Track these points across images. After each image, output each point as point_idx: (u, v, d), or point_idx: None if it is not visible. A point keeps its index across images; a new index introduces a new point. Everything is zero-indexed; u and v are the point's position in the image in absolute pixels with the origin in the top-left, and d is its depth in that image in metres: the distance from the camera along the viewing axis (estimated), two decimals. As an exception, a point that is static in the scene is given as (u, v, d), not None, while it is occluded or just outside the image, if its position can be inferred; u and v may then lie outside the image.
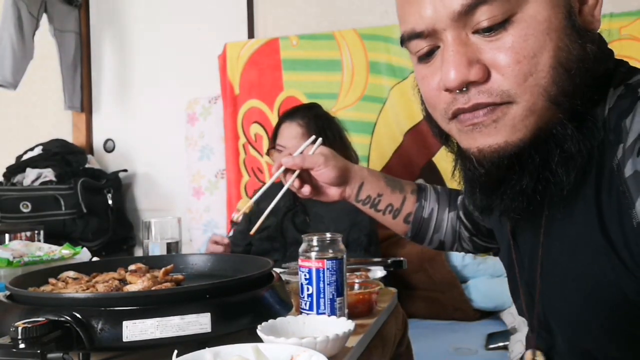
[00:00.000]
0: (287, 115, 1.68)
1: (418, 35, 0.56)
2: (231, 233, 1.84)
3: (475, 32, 0.53)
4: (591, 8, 0.56)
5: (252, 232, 0.91)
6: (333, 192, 0.91)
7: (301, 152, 0.91)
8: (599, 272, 0.54)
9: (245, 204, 1.58)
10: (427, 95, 0.59)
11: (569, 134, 0.53)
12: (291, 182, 0.89)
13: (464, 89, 0.54)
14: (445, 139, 0.63)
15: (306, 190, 0.90)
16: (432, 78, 0.57)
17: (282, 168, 0.89)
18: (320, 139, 0.93)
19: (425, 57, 0.58)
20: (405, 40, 0.58)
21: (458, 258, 1.82)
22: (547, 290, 0.63)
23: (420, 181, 1.88)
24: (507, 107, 0.53)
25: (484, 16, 0.52)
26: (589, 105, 0.54)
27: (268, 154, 1.71)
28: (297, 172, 0.89)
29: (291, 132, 1.62)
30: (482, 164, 0.55)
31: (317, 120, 1.64)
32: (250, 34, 2.42)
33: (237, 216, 1.02)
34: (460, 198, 0.91)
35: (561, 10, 0.52)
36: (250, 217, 1.67)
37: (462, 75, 0.53)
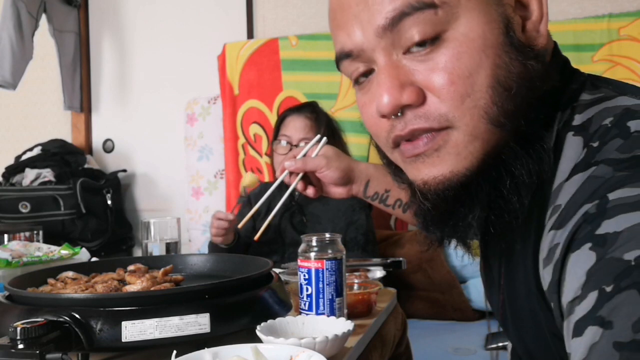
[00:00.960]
0: (293, 109, 1.69)
1: (347, 55, 0.53)
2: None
3: (407, 52, 0.50)
4: (535, 23, 0.52)
5: (256, 237, 0.92)
6: (340, 191, 0.92)
7: (304, 154, 0.91)
8: (538, 315, 0.51)
9: (248, 180, 1.56)
10: (368, 124, 0.56)
11: (518, 157, 0.49)
12: (295, 184, 0.90)
13: (399, 113, 0.50)
14: (394, 169, 0.60)
15: (310, 191, 0.91)
16: (370, 105, 0.54)
17: (286, 172, 0.91)
18: (325, 139, 0.93)
19: (360, 82, 0.55)
20: (338, 62, 0.55)
21: (457, 258, 1.82)
22: (507, 320, 0.60)
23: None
24: (448, 134, 0.49)
25: (412, 31, 0.48)
26: (535, 126, 0.50)
27: (271, 146, 1.71)
28: (300, 175, 0.90)
29: (299, 123, 1.62)
30: (427, 197, 0.52)
31: (325, 117, 1.66)
32: (250, 34, 2.42)
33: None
34: None
35: (497, 26, 0.49)
36: (255, 219, 1.67)
37: (395, 99, 0.49)
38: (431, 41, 0.48)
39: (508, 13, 0.50)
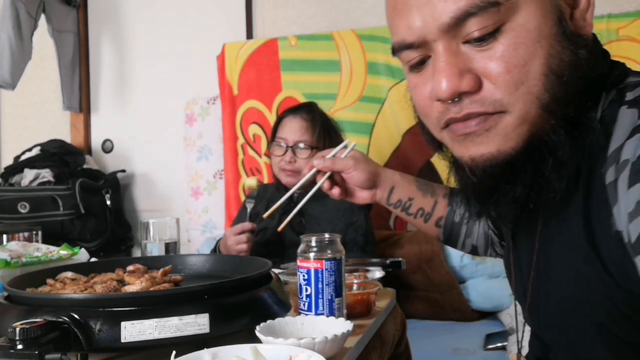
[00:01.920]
0: (290, 111, 1.69)
1: (408, 46, 0.56)
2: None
3: (466, 42, 0.53)
4: (583, 12, 0.55)
5: (280, 228, 0.94)
6: (364, 195, 0.92)
7: (333, 155, 0.92)
8: (587, 282, 0.54)
9: (250, 182, 1.55)
10: (419, 104, 0.59)
11: (562, 140, 0.53)
12: (322, 182, 0.91)
13: (456, 99, 0.54)
14: (438, 146, 0.63)
15: (336, 192, 0.92)
16: (423, 87, 0.57)
17: (314, 170, 0.92)
18: (354, 143, 0.95)
19: (417, 67, 0.58)
20: (396, 50, 0.58)
21: (456, 259, 1.82)
22: (538, 297, 0.63)
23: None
24: (500, 117, 0.53)
25: (474, 27, 0.51)
26: (583, 110, 0.54)
27: (269, 147, 1.71)
28: (327, 174, 0.91)
29: (295, 125, 1.62)
30: (474, 173, 0.56)
31: (321, 118, 1.66)
32: (249, 35, 2.42)
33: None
34: None
35: (552, 17, 0.52)
36: (253, 221, 1.67)
37: (454, 85, 0.52)
38: (491, 32, 0.51)
39: (560, 3, 0.53)
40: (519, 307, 0.71)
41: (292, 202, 1.65)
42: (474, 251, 0.92)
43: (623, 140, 0.50)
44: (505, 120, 0.53)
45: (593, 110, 0.55)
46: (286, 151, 1.60)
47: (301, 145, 1.59)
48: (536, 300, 0.63)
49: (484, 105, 0.53)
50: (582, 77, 0.53)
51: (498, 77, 0.52)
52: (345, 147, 0.94)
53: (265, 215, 0.96)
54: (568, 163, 0.53)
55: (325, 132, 1.62)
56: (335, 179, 0.92)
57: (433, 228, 0.92)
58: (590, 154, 0.54)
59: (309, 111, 1.65)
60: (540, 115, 0.52)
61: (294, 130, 1.61)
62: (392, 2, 0.57)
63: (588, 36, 0.55)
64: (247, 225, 1.49)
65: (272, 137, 1.68)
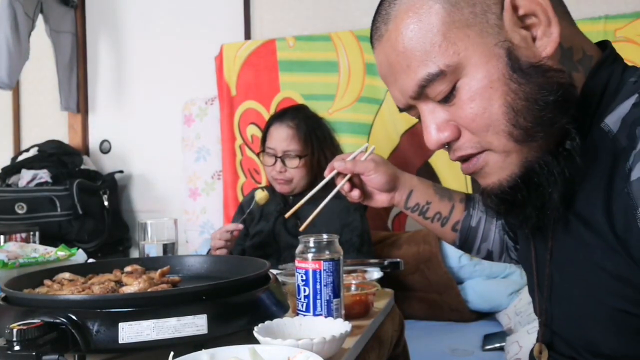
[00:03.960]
0: (276, 117, 1.67)
1: (401, 110, 0.67)
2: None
3: (438, 102, 0.61)
4: (545, 28, 0.58)
5: (302, 227, 0.94)
6: (383, 198, 0.93)
7: (353, 158, 0.93)
8: (609, 270, 0.57)
9: (259, 196, 1.54)
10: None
11: (547, 163, 0.59)
12: (342, 184, 0.92)
13: (446, 146, 0.63)
14: None
15: (355, 194, 0.93)
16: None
17: (335, 171, 0.93)
18: (373, 147, 0.96)
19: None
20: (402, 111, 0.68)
21: (454, 259, 1.82)
22: (557, 287, 0.66)
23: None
24: (487, 154, 0.61)
25: (433, 93, 0.60)
26: (564, 125, 0.58)
27: (259, 156, 1.71)
28: (348, 176, 0.92)
29: (281, 134, 1.61)
30: (491, 198, 0.64)
31: (307, 121, 1.64)
32: (247, 35, 2.42)
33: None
34: None
35: (498, 60, 0.57)
36: (248, 226, 1.66)
37: (436, 139, 0.62)
38: (450, 93, 0.60)
39: (510, 38, 0.57)
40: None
41: (287, 204, 1.65)
42: (489, 256, 0.94)
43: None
44: (492, 157, 0.61)
45: (609, 114, 0.58)
46: (276, 161, 1.60)
47: (289, 154, 1.59)
48: (556, 287, 0.66)
49: (468, 148, 0.61)
50: (548, 99, 0.56)
51: (469, 126, 0.60)
52: (365, 150, 0.95)
53: (287, 214, 0.98)
54: (559, 179, 0.59)
55: (312, 137, 1.61)
56: (355, 181, 0.93)
57: (449, 232, 0.93)
58: (613, 156, 0.56)
59: (294, 117, 1.63)
60: (518, 146, 0.58)
61: (280, 139, 1.60)
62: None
63: (551, 53, 0.58)
64: (230, 226, 1.48)
65: (262, 145, 1.67)
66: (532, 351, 0.73)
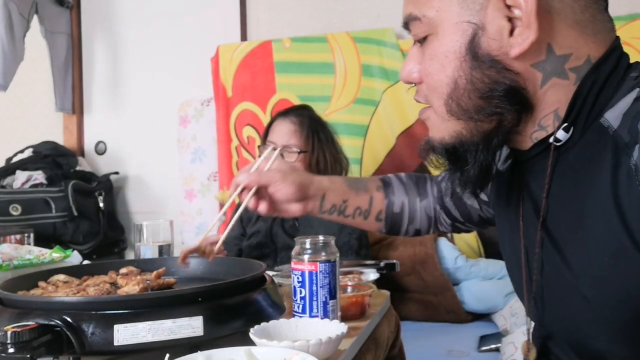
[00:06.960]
0: (281, 114, 1.69)
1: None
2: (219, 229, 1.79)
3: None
4: (522, 30, 0.57)
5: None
6: (294, 208, 0.87)
7: (257, 168, 0.87)
8: (622, 272, 0.55)
9: (222, 197, 1.52)
10: None
11: (474, 145, 0.61)
12: (247, 201, 0.83)
13: (413, 85, 0.67)
14: None
15: (262, 208, 0.86)
16: None
17: (240, 188, 0.84)
18: (278, 150, 0.92)
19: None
20: None
21: (450, 261, 1.83)
22: (549, 288, 0.64)
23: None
24: (430, 111, 0.65)
25: (413, 31, 0.64)
26: (500, 117, 0.60)
27: (259, 150, 1.71)
28: (253, 190, 0.83)
29: (283, 128, 1.62)
30: (428, 149, 0.67)
31: (310, 121, 1.65)
32: (243, 37, 2.42)
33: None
34: (443, 187, 0.92)
35: (462, 38, 0.59)
36: (245, 226, 1.66)
37: (404, 77, 0.67)
38: (423, 39, 0.63)
39: (485, 23, 0.58)
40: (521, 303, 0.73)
41: None
42: (416, 234, 0.95)
43: None
44: (433, 115, 0.65)
45: (609, 110, 0.57)
46: None
47: (289, 149, 1.59)
48: (548, 289, 0.65)
49: (420, 97, 0.66)
50: (503, 97, 0.58)
51: (424, 78, 0.64)
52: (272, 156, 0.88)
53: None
54: (482, 160, 0.62)
55: (314, 135, 1.62)
56: (262, 193, 0.85)
57: (374, 223, 0.92)
58: (613, 152, 0.55)
59: (299, 114, 1.65)
60: (455, 119, 0.61)
61: (282, 133, 1.61)
62: None
63: (514, 57, 0.58)
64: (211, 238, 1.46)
65: (263, 140, 1.68)
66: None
